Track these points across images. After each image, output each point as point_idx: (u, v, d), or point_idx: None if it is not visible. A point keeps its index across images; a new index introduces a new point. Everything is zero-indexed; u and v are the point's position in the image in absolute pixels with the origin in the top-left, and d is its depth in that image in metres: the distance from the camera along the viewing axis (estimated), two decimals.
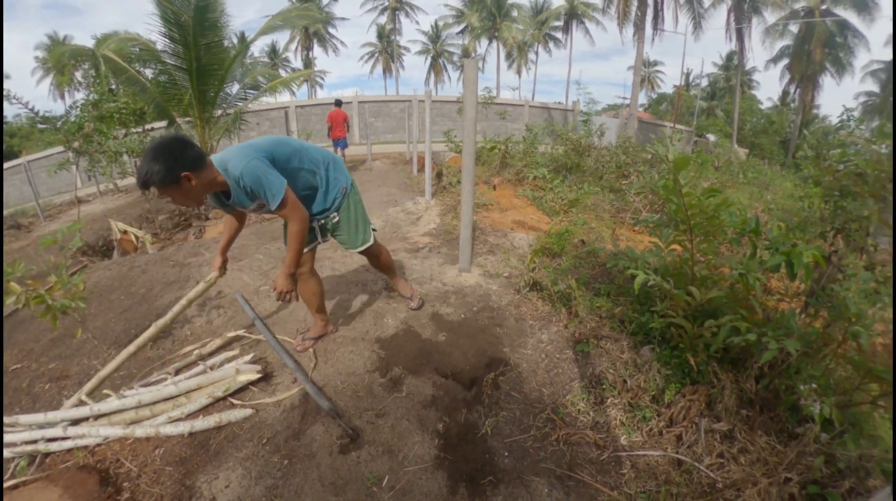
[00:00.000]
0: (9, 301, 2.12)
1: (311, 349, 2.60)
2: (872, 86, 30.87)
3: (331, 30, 40.00)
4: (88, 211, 9.88)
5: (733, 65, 32.95)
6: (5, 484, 1.91)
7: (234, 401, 2.22)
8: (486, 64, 42.39)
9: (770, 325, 1.88)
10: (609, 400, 2.22)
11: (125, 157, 8.74)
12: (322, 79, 45.21)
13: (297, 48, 39.64)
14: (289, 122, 17.63)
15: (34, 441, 2.07)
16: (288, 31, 36.01)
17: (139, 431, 2.07)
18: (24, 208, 12.74)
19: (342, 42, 41.06)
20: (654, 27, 22.75)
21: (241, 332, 2.79)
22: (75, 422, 2.17)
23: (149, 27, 7.65)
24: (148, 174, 1.74)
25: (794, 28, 25.67)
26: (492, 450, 1.99)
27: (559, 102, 26.10)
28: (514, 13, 37.69)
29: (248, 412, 2.14)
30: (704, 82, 39.14)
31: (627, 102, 23.58)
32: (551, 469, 1.90)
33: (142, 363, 2.67)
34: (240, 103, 9.50)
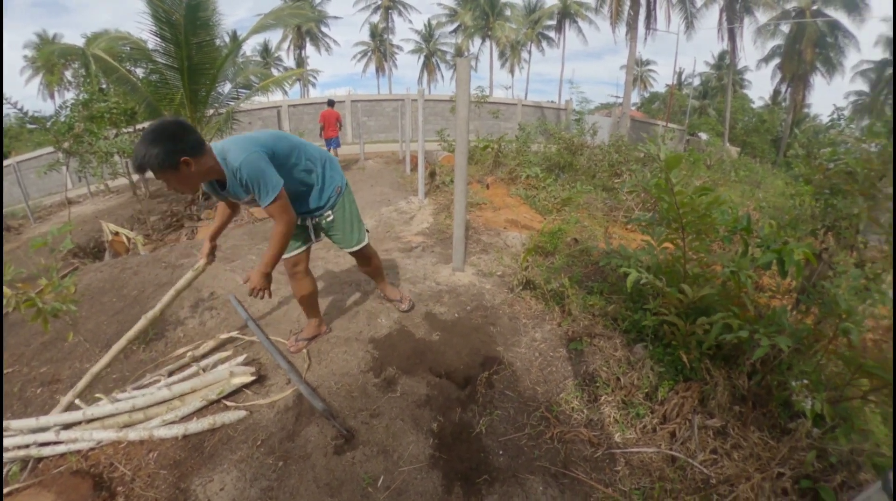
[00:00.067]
0: None
1: (304, 350, 2.59)
2: (862, 85, 31.33)
3: (323, 28, 39.79)
4: (79, 212, 9.79)
5: (725, 64, 33.17)
6: None
7: (228, 403, 2.21)
8: (479, 63, 42.44)
9: (762, 322, 1.90)
10: (603, 398, 2.23)
11: (116, 157, 8.65)
12: (314, 78, 45.04)
13: (289, 47, 39.41)
14: (281, 121, 17.54)
15: (26, 446, 2.05)
16: (280, 30, 35.78)
17: (133, 434, 2.05)
18: (13, 210, 12.58)
19: (335, 41, 40.81)
20: (647, 26, 22.86)
21: (234, 333, 2.78)
22: (68, 426, 2.15)
23: (140, 26, 7.56)
24: (146, 157, 1.69)
25: (785, 28, 25.91)
26: (486, 449, 1.99)
27: (552, 101, 26.12)
28: (508, 12, 37.72)
29: (243, 413, 2.13)
30: (696, 81, 39.35)
31: (620, 100, 23.66)
32: (546, 467, 1.91)
33: (134, 365, 2.65)
34: (232, 103, 9.44)
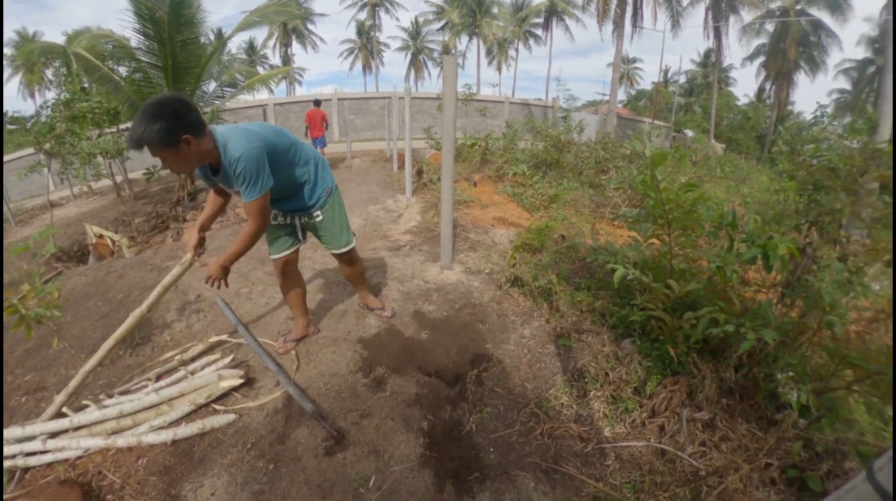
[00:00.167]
0: None
1: (293, 351, 2.57)
2: (845, 83, 31.99)
3: (310, 26, 39.49)
4: (62, 215, 9.60)
5: (711, 62, 33.51)
6: None
7: (217, 407, 2.18)
8: (467, 60, 42.40)
9: (748, 316, 1.93)
10: (592, 393, 2.25)
11: (99, 158, 8.51)
12: (301, 76, 44.73)
13: (275, 45, 39.07)
14: (267, 120, 17.39)
15: (13, 456, 2.00)
16: (266, 28, 35.49)
17: (121, 441, 2.02)
18: None
19: (321, 38, 40.76)
20: (634, 24, 22.99)
21: (224, 336, 2.75)
22: (55, 435, 2.10)
23: (122, 23, 7.42)
24: (146, 132, 1.63)
25: (769, 27, 26.36)
26: (477, 447, 2.00)
27: (539, 99, 26.22)
28: (495, 10, 37.69)
29: (232, 417, 2.11)
30: (682, 79, 39.70)
31: (607, 98, 23.78)
32: (537, 463, 1.92)
33: (121, 371, 2.61)
34: (217, 101, 9.33)
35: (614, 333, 2.61)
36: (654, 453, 1.92)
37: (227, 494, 1.79)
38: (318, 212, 2.36)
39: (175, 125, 1.67)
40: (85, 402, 2.24)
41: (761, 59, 28.37)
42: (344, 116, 17.21)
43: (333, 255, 2.58)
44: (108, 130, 9.16)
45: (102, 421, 2.13)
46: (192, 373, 2.37)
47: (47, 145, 7.33)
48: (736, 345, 2.02)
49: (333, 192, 2.41)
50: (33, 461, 1.99)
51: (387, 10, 40.46)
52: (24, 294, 2.20)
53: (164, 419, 2.11)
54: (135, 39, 7.75)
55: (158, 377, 2.47)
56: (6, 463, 1.98)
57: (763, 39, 27.31)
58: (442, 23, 39.33)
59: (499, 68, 41.09)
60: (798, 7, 24.88)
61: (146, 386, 2.37)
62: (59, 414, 2.19)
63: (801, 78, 27.45)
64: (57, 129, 7.37)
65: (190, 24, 7.71)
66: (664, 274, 2.34)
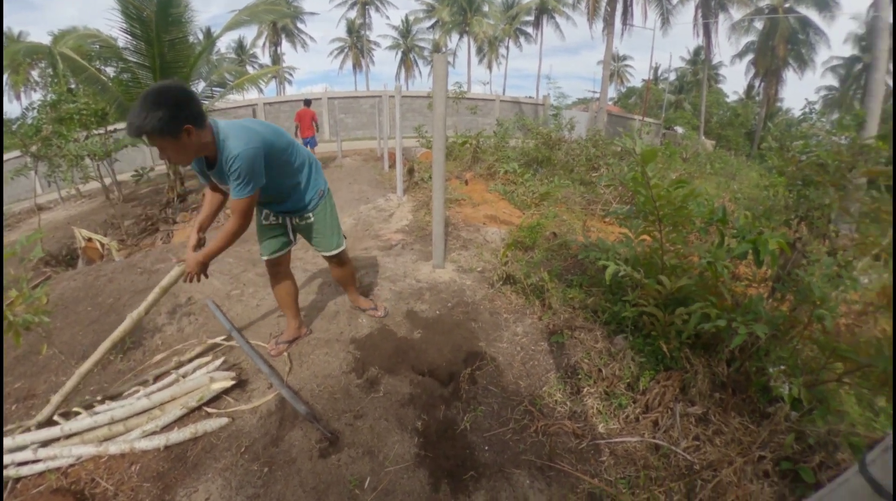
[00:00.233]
0: None
1: (285, 353, 2.55)
2: (832, 80, 32.44)
3: (299, 25, 39.23)
4: (50, 219, 9.48)
5: (700, 59, 33.76)
6: None
7: (210, 410, 2.16)
8: (457, 59, 42.45)
9: (739, 310, 1.94)
10: (585, 390, 2.26)
11: (87, 160, 8.41)
12: (291, 75, 44.49)
13: (264, 44, 38.76)
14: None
15: (4, 467, 1.97)
16: (255, 27, 35.19)
17: (113, 448, 1.99)
18: None
19: (311, 37, 40.46)
20: (624, 22, 23.09)
21: (218, 339, 2.72)
22: (46, 443, 2.06)
23: (109, 23, 7.34)
24: (147, 120, 1.60)
25: (758, 25, 26.63)
26: (472, 445, 2.00)
27: (530, 97, 26.27)
28: (485, 8, 37.65)
29: (225, 421, 2.09)
30: (672, 76, 39.95)
31: (597, 95, 23.86)
32: (532, 461, 1.92)
33: (112, 376, 2.58)
34: (206, 102, 9.25)
35: (607, 329, 2.62)
36: (649, 448, 1.93)
37: (221, 498, 1.77)
38: (310, 214, 2.36)
39: (177, 114, 1.65)
40: (76, 409, 2.21)
41: (750, 56, 28.63)
42: (334, 115, 17.16)
43: (323, 257, 2.56)
44: (95, 132, 9.06)
45: (94, 428, 2.09)
46: (184, 376, 2.34)
47: (34, 148, 7.22)
48: (728, 340, 2.03)
49: (326, 195, 2.41)
50: (25, 470, 1.96)
51: (377, 9, 40.33)
52: (11, 300, 2.16)
53: (156, 424, 2.08)
54: (122, 39, 7.69)
55: (156, 379, 2.44)
56: None
57: (752, 37, 27.60)
58: (432, 21, 39.25)
59: (489, 66, 41.10)
60: (787, 5, 25.15)
61: (138, 392, 2.34)
62: (51, 422, 2.16)
63: (790, 75, 27.79)
64: (43, 131, 7.26)
65: (178, 24, 7.64)
66: (656, 270, 2.35)
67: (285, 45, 39.59)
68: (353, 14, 40.44)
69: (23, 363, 2.78)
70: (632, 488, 1.78)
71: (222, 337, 2.74)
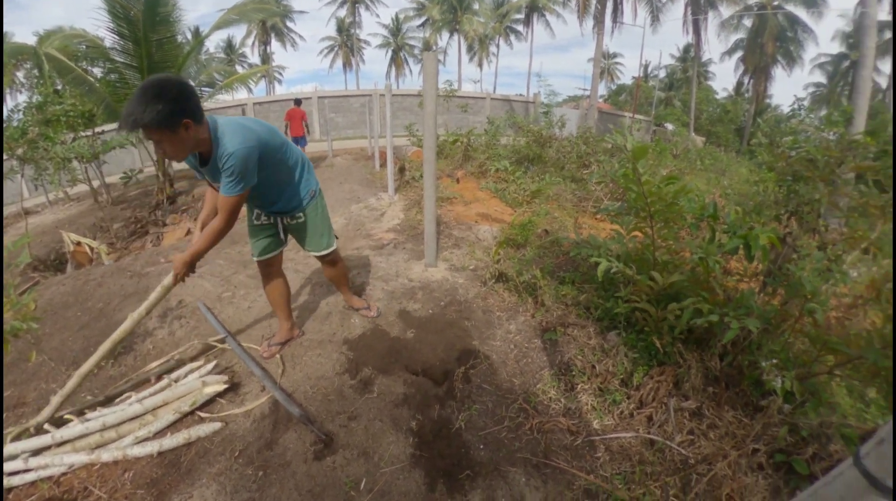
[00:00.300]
0: None
1: (277, 355, 2.54)
2: (820, 77, 32.97)
3: (289, 24, 39.04)
4: (37, 223, 9.33)
5: (690, 57, 33.98)
6: None
7: (203, 415, 2.14)
8: (448, 57, 42.54)
9: (731, 305, 1.95)
10: (579, 386, 2.26)
11: (75, 163, 8.30)
12: (280, 74, 44.31)
13: (254, 43, 38.53)
14: None
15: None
16: (244, 26, 34.96)
17: (105, 455, 1.96)
18: None
19: (301, 36, 40.13)
20: (614, 20, 23.24)
21: (211, 341, 2.70)
22: (37, 452, 2.03)
23: (96, 23, 7.23)
24: (145, 113, 1.57)
25: (747, 22, 26.90)
26: (467, 444, 1.99)
27: (520, 95, 26.33)
28: (476, 6, 37.64)
29: (218, 425, 2.07)
30: (662, 74, 40.14)
31: (587, 93, 23.96)
32: (527, 458, 1.92)
33: (104, 382, 2.54)
34: None
35: (600, 325, 2.63)
36: (643, 443, 1.94)
37: None
38: (301, 214, 2.34)
39: (177, 108, 1.63)
40: (67, 416, 2.18)
41: (739, 53, 28.92)
42: (325, 114, 17.10)
43: (315, 257, 2.55)
44: (83, 134, 8.94)
45: (86, 435, 2.06)
46: (176, 381, 2.32)
47: (20, 151, 7.11)
48: (720, 334, 2.04)
49: (317, 195, 2.40)
50: (16, 480, 1.92)
51: (367, 7, 40.24)
52: None
53: (148, 430, 2.06)
54: (109, 39, 7.58)
55: (158, 378, 2.42)
56: None
57: (741, 34, 27.87)
58: (423, 19, 39.19)
59: (480, 64, 41.14)
60: (775, 2, 25.41)
61: (130, 396, 2.31)
62: (41, 431, 2.13)
63: (779, 72, 28.15)
64: (29, 133, 7.16)
65: (166, 23, 7.55)
66: (647, 266, 2.35)
67: (275, 45, 39.43)
68: (342, 12, 40.35)
69: (12, 370, 2.73)
70: (627, 483, 1.78)
71: (214, 340, 2.71)
